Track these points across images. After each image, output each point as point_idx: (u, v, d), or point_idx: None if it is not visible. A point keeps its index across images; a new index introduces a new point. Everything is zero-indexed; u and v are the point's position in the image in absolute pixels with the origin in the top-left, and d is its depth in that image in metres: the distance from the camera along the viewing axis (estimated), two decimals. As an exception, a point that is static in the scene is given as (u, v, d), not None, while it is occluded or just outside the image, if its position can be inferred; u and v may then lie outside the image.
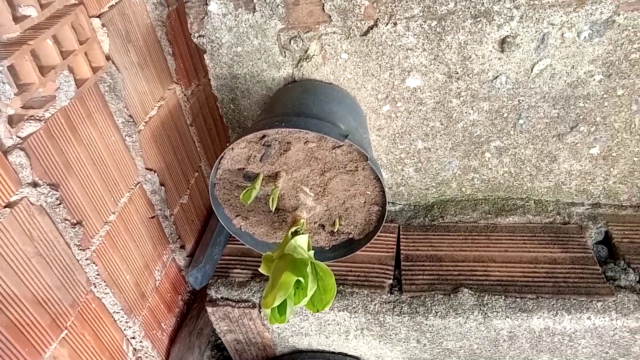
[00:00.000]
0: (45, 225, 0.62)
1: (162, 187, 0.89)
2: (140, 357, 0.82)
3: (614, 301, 0.73)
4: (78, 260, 0.68)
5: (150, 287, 0.86)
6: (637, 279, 0.77)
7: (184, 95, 0.98)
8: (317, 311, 0.62)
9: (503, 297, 0.76)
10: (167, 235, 0.92)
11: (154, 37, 0.86)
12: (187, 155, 1.01)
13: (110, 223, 0.75)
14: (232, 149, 0.68)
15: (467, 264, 0.82)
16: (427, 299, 0.78)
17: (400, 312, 0.77)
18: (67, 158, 0.66)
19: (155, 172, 0.86)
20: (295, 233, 0.65)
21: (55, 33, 0.61)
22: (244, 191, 0.65)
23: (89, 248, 0.70)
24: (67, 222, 0.65)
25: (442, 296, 0.78)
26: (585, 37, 0.73)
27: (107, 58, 0.73)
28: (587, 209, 0.90)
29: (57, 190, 0.63)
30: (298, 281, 0.55)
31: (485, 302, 0.76)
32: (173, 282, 0.94)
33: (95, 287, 0.71)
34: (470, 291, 0.77)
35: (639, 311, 0.72)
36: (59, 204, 0.64)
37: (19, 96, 0.56)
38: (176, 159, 0.95)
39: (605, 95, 0.78)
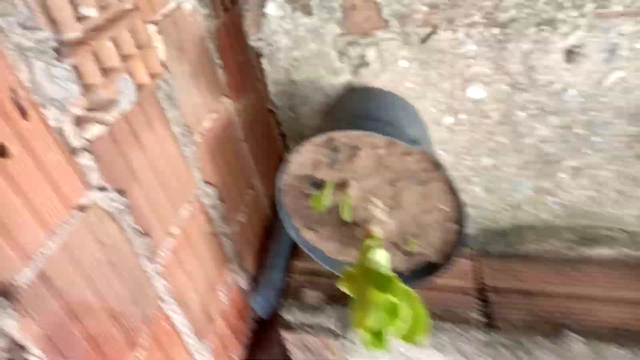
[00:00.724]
0: (115, 232, 0.63)
1: (220, 202, 0.91)
2: None
3: None
4: (146, 272, 0.68)
5: (217, 310, 0.86)
6: None
7: (235, 109, 1.02)
8: (411, 342, 0.52)
9: (617, 345, 0.62)
10: (227, 254, 0.93)
11: (204, 48, 0.91)
12: (242, 172, 1.03)
13: (174, 236, 0.76)
14: (299, 152, 0.63)
15: (560, 300, 0.72)
16: (524, 341, 0.65)
17: (499, 355, 0.63)
18: (132, 165, 0.68)
19: (213, 185, 0.89)
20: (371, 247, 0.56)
21: (114, 35, 0.65)
22: (314, 197, 0.59)
23: (156, 261, 0.71)
24: (135, 230, 0.67)
25: (542, 339, 0.65)
26: (662, 48, 0.71)
27: (163, 65, 0.77)
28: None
29: (124, 197, 0.65)
30: (391, 303, 0.46)
31: (599, 350, 0.63)
32: (238, 307, 0.94)
33: (165, 303, 0.72)
34: (577, 335, 0.65)
35: None
36: (127, 211, 0.65)
37: (85, 97, 0.59)
38: (231, 174, 0.98)
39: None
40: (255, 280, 1.00)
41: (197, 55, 0.89)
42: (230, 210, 0.96)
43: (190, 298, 0.80)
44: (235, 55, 1.04)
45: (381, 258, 0.60)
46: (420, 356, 0.75)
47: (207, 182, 0.89)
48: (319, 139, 0.68)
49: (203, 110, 0.91)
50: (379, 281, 0.55)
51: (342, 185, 0.71)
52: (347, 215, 0.67)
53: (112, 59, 0.64)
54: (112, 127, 0.66)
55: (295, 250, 0.96)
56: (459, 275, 0.85)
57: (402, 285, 0.58)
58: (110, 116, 0.66)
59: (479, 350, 0.73)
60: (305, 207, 0.75)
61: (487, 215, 0.95)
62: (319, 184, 0.72)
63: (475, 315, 0.77)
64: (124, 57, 0.67)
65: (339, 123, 0.69)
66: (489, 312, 0.79)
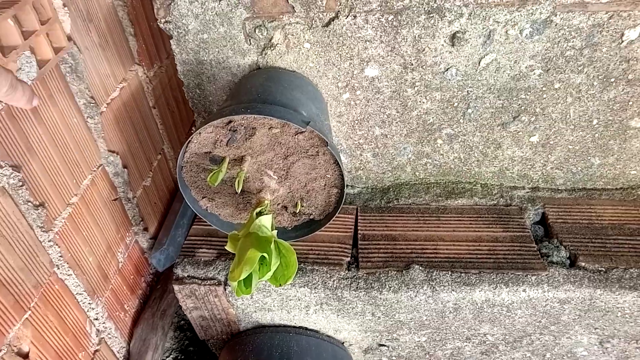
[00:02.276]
0: (8, 206, 0.62)
1: (125, 169, 0.90)
2: (103, 338, 0.85)
3: (546, 275, 0.82)
4: (41, 242, 0.69)
5: (113, 269, 0.87)
6: (567, 255, 0.86)
7: (147, 77, 0.99)
8: (280, 285, 0.67)
9: (450, 273, 0.83)
10: (130, 218, 0.94)
11: (115, 17, 0.86)
12: (150, 138, 1.02)
13: (73, 205, 0.76)
14: (200, 133, 0.71)
15: (418, 242, 0.89)
16: (381, 275, 0.84)
17: (357, 287, 0.83)
18: (29, 139, 0.66)
19: (117, 154, 0.87)
20: (260, 214, 0.69)
21: (16, 13, 0.61)
22: (211, 174, 0.69)
23: (51, 230, 0.71)
24: (29, 203, 0.66)
25: (395, 272, 0.84)
26: (526, 35, 0.80)
27: (69, 38, 0.73)
28: (527, 192, 0.99)
29: (19, 172, 0.64)
30: (262, 257, 0.60)
31: (434, 277, 0.83)
32: (136, 264, 0.96)
33: (59, 268, 0.73)
34: (420, 267, 0.84)
35: (567, 284, 0.81)
36: (22, 186, 0.65)
37: None
38: (139, 141, 0.96)
39: (544, 88, 0.86)
40: (157, 239, 1.00)
41: (107, 25, 0.82)
42: (135, 177, 0.94)
43: (86, 262, 0.78)
44: (149, 21, 0.96)
45: (266, 222, 0.66)
46: (291, 292, 0.84)
47: (111, 151, 0.85)
48: (219, 121, 0.69)
49: (112, 80, 0.85)
50: (258, 241, 0.62)
51: (238, 160, 0.73)
52: (238, 188, 0.70)
53: (13, 37, 0.61)
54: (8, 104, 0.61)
55: (198, 213, 0.96)
56: (338, 227, 0.92)
57: (279, 242, 0.65)
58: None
59: (341, 283, 0.83)
60: (203, 180, 0.77)
61: (373, 177, 1.00)
62: (217, 160, 0.74)
63: (345, 259, 0.86)
64: (26, 34, 0.63)
65: (240, 105, 0.69)
66: (356, 255, 0.87)
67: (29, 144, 0.66)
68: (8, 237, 0.62)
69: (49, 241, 0.70)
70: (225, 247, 0.67)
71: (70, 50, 0.73)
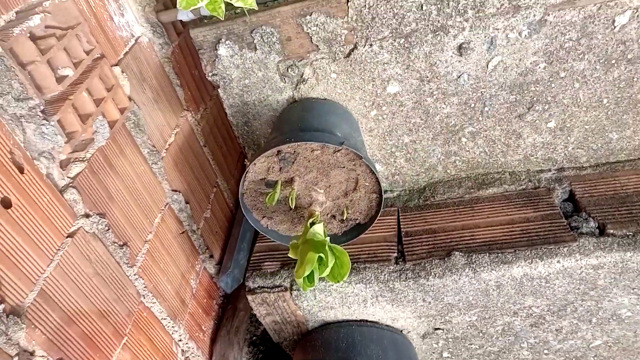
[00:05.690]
0: (99, 249, 0.72)
1: (188, 204, 1.01)
2: (188, 357, 0.96)
3: (577, 245, 0.91)
4: (128, 276, 0.79)
5: (189, 295, 0.98)
6: (596, 226, 0.94)
7: (195, 120, 1.11)
8: (337, 282, 0.79)
9: (488, 255, 0.94)
10: (197, 247, 1.05)
11: (163, 72, 0.98)
12: (205, 174, 1.13)
13: (149, 241, 0.86)
14: (255, 164, 0.86)
15: (456, 232, 1.00)
16: (426, 264, 0.96)
17: (406, 277, 0.95)
18: (109, 190, 0.76)
19: (180, 192, 0.99)
20: (312, 224, 0.83)
21: (88, 86, 0.71)
22: (268, 196, 0.84)
23: (135, 265, 0.81)
24: (115, 244, 0.76)
25: (438, 260, 0.96)
26: (525, 35, 0.90)
27: (129, 98, 0.84)
28: (554, 173, 1.08)
29: (104, 218, 0.74)
30: (320, 257, 0.74)
31: (473, 260, 0.94)
32: (207, 289, 1.07)
33: (144, 298, 0.83)
34: (460, 253, 0.95)
35: (598, 250, 0.89)
36: (108, 230, 0.75)
37: (68, 144, 0.68)
38: (196, 178, 1.08)
39: (551, 79, 0.96)
40: (222, 264, 1.11)
41: (158, 80, 0.95)
42: (197, 210, 1.05)
43: (166, 290, 0.89)
44: (191, 70, 1.10)
45: (319, 230, 0.79)
46: (349, 289, 0.95)
47: (174, 190, 0.96)
48: (269, 152, 0.83)
49: (167, 128, 0.97)
50: (314, 245, 0.75)
51: (289, 182, 0.86)
52: (292, 205, 0.84)
53: (88, 106, 0.71)
54: (90, 162, 0.72)
55: (257, 234, 1.11)
56: (383, 228, 1.03)
57: (332, 246, 0.78)
58: (89, 153, 0.72)
59: (391, 276, 0.94)
60: (262, 202, 0.90)
61: (409, 179, 1.11)
62: (271, 184, 0.87)
63: (392, 254, 0.98)
64: (97, 101, 0.73)
65: (284, 134, 0.82)
66: (402, 250, 0.98)
67: (110, 193, 0.77)
68: (102, 274, 0.73)
69: (134, 275, 0.81)
70: (288, 255, 0.81)
71: (132, 108, 0.85)
